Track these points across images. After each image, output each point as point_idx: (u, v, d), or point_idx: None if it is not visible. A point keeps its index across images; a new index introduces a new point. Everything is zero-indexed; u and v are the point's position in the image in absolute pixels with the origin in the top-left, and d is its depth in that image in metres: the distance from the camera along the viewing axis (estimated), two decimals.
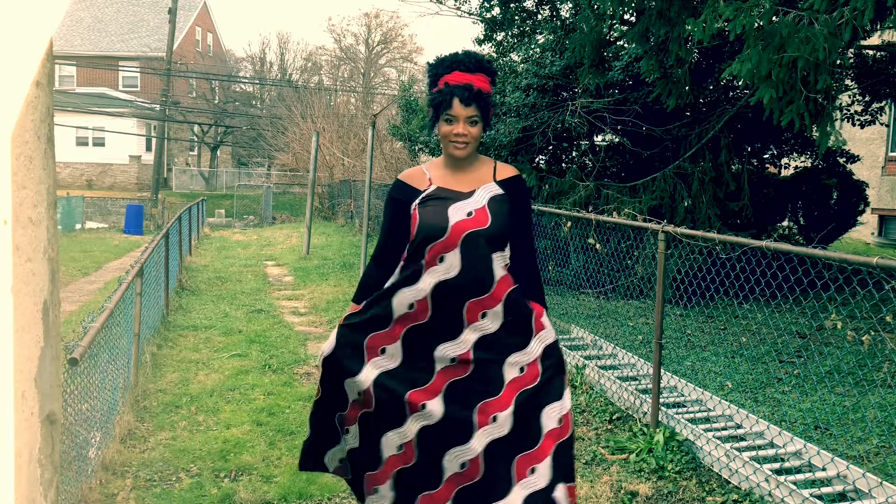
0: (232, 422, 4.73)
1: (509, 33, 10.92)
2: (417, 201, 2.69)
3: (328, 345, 2.75)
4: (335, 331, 2.77)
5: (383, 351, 2.71)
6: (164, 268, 7.80)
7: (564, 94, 10.24)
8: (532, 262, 2.80)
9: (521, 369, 2.68)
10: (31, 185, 1.55)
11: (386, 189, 13.61)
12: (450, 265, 2.63)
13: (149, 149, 35.75)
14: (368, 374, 2.68)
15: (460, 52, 2.77)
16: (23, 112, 1.52)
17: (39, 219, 1.57)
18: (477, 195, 2.70)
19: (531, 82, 10.16)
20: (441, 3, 11.97)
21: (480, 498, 2.61)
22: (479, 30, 14.91)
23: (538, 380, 2.67)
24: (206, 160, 42.01)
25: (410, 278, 2.67)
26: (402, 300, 2.68)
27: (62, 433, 2.71)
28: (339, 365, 2.72)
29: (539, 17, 10.79)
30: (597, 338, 6.32)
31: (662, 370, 4.76)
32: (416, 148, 15.82)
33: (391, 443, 2.67)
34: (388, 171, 16.90)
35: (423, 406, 2.62)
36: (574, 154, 11.05)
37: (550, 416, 2.67)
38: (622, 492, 3.75)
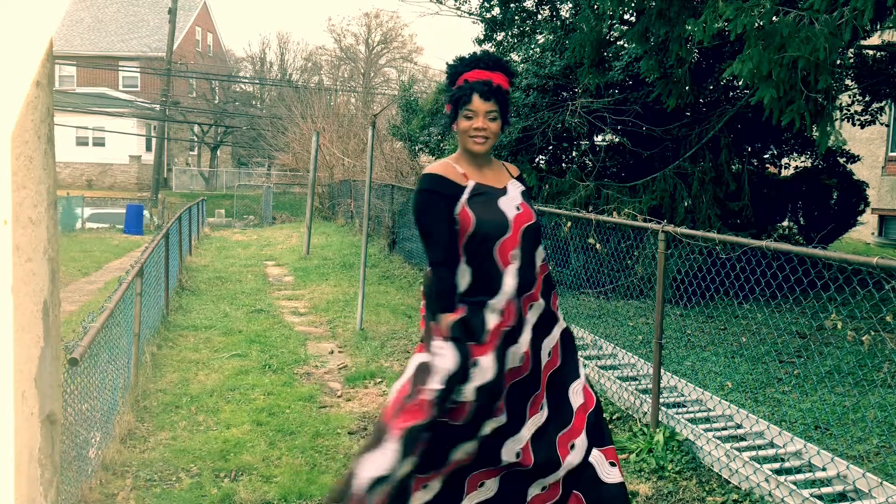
0: (232, 422, 4.73)
1: (509, 33, 10.92)
2: (465, 197, 2.62)
3: (451, 362, 2.53)
4: (451, 346, 2.54)
5: (475, 364, 2.57)
6: (164, 268, 7.80)
7: (564, 94, 10.24)
8: (542, 249, 2.91)
9: (549, 353, 2.75)
10: (31, 185, 1.55)
11: (386, 189, 13.62)
12: (517, 261, 2.63)
13: (149, 149, 35.75)
14: (470, 386, 2.53)
15: (480, 51, 2.82)
16: (23, 112, 1.52)
17: (39, 219, 1.57)
18: (510, 191, 2.72)
19: (531, 82, 10.17)
20: (441, 3, 11.97)
21: (525, 478, 2.67)
22: (479, 30, 14.92)
23: (559, 361, 2.76)
24: (206, 160, 42.01)
25: (495, 283, 2.60)
26: (494, 308, 2.60)
27: (62, 433, 2.71)
28: (462, 378, 2.53)
29: (539, 17, 10.80)
30: (597, 338, 6.32)
31: (662, 370, 4.76)
32: (416, 148, 15.83)
33: (464, 449, 2.61)
34: (388, 171, 16.90)
35: (500, 413, 2.64)
36: (574, 154, 11.05)
37: (576, 392, 2.76)
38: None
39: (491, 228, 2.60)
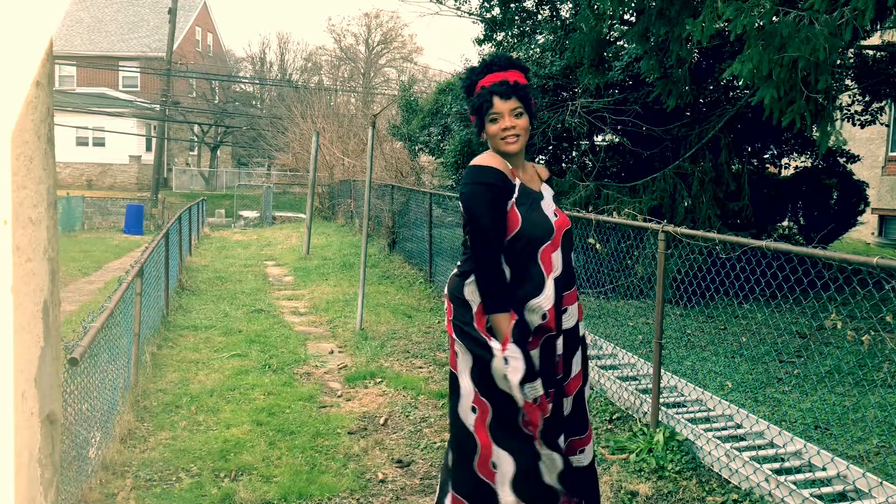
0: (232, 422, 4.73)
1: (509, 33, 10.92)
2: (515, 196, 2.61)
3: (521, 364, 2.54)
4: (515, 348, 2.55)
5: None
6: (164, 268, 7.80)
7: (564, 94, 10.24)
8: None
9: (579, 363, 2.81)
10: (31, 185, 1.55)
11: (386, 189, 13.61)
12: (557, 266, 2.65)
13: (149, 149, 35.75)
14: (537, 382, 2.59)
15: (490, 55, 2.86)
16: (23, 112, 1.52)
17: (39, 219, 1.57)
18: (545, 195, 2.76)
19: (531, 82, 10.16)
20: (441, 3, 11.97)
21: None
22: (479, 30, 14.91)
23: (582, 373, 2.83)
24: (206, 160, 42.00)
25: (538, 286, 2.60)
26: (536, 310, 2.60)
27: (62, 433, 2.71)
28: (530, 376, 2.57)
29: (539, 17, 10.80)
30: (597, 338, 6.32)
31: (662, 370, 4.76)
32: (416, 148, 15.82)
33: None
34: (387, 171, 16.89)
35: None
36: (574, 154, 11.05)
37: (587, 399, 2.89)
38: (622, 492, 3.75)
39: (539, 232, 2.61)
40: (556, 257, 2.65)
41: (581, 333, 2.84)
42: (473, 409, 2.62)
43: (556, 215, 2.72)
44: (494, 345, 2.55)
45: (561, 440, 2.71)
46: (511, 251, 2.59)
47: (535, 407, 2.55)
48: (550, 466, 2.62)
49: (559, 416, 2.73)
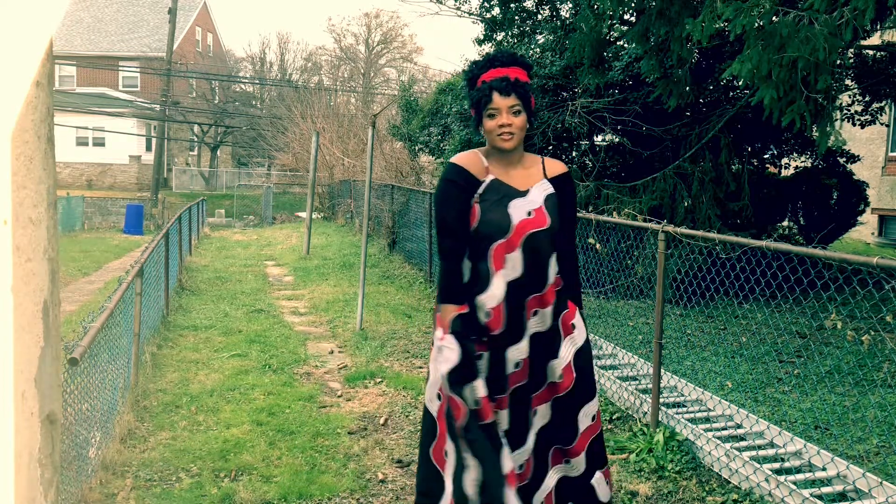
0: (232, 422, 4.73)
1: (509, 33, 10.91)
2: (479, 193, 2.64)
3: (455, 355, 2.56)
4: (451, 339, 2.58)
5: (479, 357, 2.65)
6: (164, 268, 7.80)
7: (564, 94, 10.24)
8: (573, 258, 2.81)
9: (560, 375, 2.72)
10: (31, 185, 1.55)
11: (386, 189, 13.61)
12: (514, 266, 2.62)
13: (149, 149, 35.75)
14: (479, 382, 2.58)
15: (493, 51, 2.82)
16: (23, 112, 1.52)
17: (39, 219, 1.57)
18: (532, 194, 2.69)
19: (533, 81, 10.16)
20: (441, 3, 11.96)
21: (524, 488, 2.71)
22: (479, 30, 14.90)
23: (573, 383, 2.72)
24: (206, 160, 42.00)
25: (484, 282, 2.63)
26: (481, 307, 2.64)
27: (62, 433, 2.70)
28: (467, 372, 2.57)
29: (539, 17, 10.79)
30: (597, 338, 6.32)
31: (662, 370, 4.76)
32: (416, 148, 15.81)
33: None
34: (388, 171, 16.89)
35: (496, 416, 2.64)
36: (574, 154, 11.04)
37: (586, 414, 2.76)
38: (622, 492, 3.75)
39: (490, 229, 2.61)
40: (513, 258, 2.62)
41: (571, 347, 2.73)
42: (438, 397, 2.68)
43: (530, 214, 2.64)
44: (437, 334, 2.62)
45: (505, 454, 2.56)
46: (470, 246, 2.66)
47: (459, 403, 2.54)
48: (470, 471, 2.56)
49: (517, 426, 2.66)
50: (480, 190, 2.64)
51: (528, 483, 2.73)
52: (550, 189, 2.73)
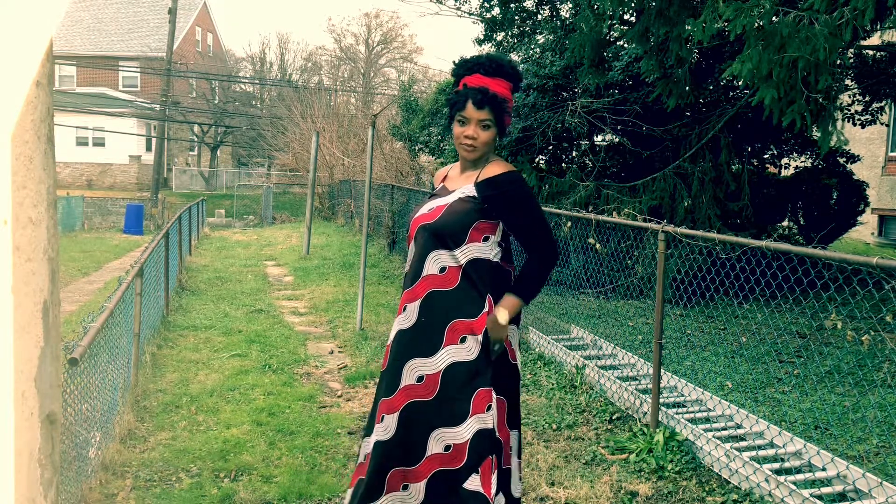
0: (232, 422, 4.73)
1: (509, 33, 10.91)
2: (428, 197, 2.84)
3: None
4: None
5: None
6: (164, 268, 7.79)
7: (564, 94, 10.24)
8: (529, 258, 2.72)
9: (420, 378, 2.54)
10: (31, 185, 1.55)
11: (386, 189, 13.64)
12: (409, 258, 2.73)
13: (149, 149, 35.75)
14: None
15: (485, 54, 2.73)
16: (23, 112, 1.52)
17: (39, 219, 1.57)
18: (453, 193, 2.68)
19: (531, 82, 10.16)
20: (441, 3, 11.97)
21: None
22: (479, 30, 14.91)
23: (434, 394, 2.52)
24: (206, 160, 42.00)
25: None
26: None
27: (62, 433, 2.70)
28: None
29: (539, 17, 10.79)
30: (597, 338, 6.32)
31: (662, 370, 4.76)
32: (416, 148, 15.82)
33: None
34: (388, 171, 16.90)
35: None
36: (574, 154, 11.05)
37: (439, 441, 2.51)
38: (622, 492, 3.75)
39: (407, 224, 2.83)
40: (410, 250, 2.72)
41: (447, 358, 2.51)
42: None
43: (430, 210, 2.65)
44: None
45: (368, 444, 2.65)
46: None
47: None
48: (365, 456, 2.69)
49: (384, 432, 2.59)
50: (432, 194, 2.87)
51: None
52: (471, 192, 2.60)
